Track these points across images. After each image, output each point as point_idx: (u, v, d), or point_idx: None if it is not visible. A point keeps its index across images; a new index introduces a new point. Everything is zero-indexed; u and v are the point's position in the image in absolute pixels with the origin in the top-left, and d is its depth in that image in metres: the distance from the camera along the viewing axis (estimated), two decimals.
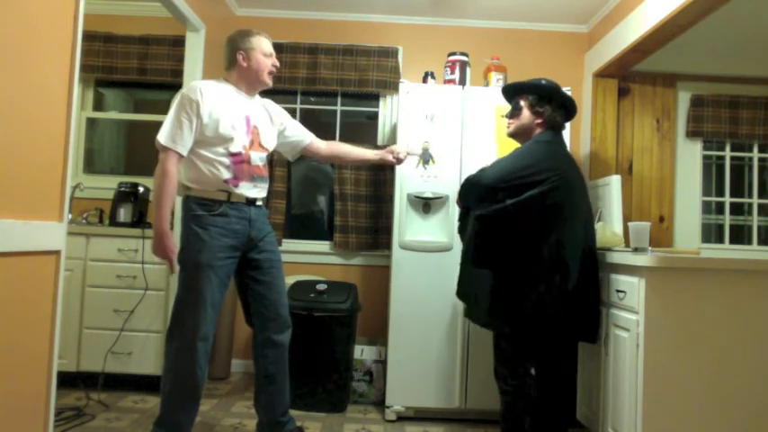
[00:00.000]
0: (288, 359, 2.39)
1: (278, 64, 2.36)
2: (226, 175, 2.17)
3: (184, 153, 2.14)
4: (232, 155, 2.18)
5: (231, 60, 2.28)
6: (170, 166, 2.10)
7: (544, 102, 2.28)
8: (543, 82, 2.31)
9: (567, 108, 2.33)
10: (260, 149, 2.30)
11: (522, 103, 2.31)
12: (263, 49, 2.28)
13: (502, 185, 2.15)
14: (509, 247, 2.15)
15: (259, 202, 2.31)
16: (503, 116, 2.45)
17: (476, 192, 2.24)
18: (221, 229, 2.16)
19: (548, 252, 2.11)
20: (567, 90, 2.89)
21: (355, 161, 2.92)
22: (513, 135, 2.37)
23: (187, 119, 2.11)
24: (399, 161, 2.63)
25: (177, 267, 2.19)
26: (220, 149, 2.16)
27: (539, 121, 2.28)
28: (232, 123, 2.18)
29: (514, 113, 2.34)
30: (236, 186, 2.19)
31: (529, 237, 2.13)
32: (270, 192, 2.65)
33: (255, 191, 2.28)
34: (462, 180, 2.36)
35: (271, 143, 2.38)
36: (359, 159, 2.70)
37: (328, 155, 2.63)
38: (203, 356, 2.14)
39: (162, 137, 2.11)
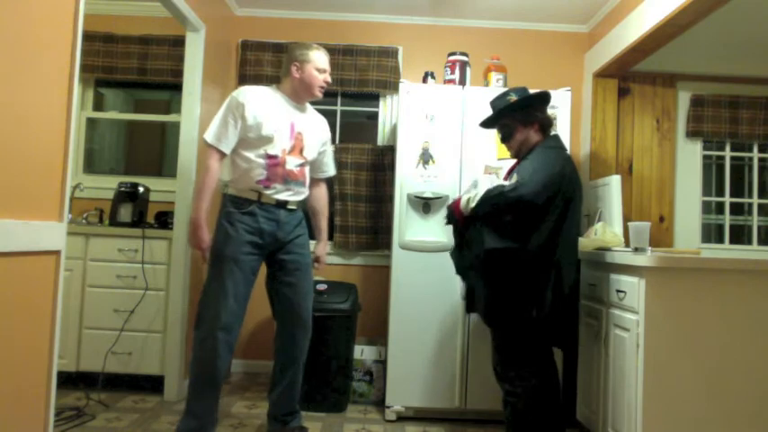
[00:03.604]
0: (303, 359, 2.43)
1: (330, 80, 2.44)
2: (259, 176, 2.26)
3: (227, 152, 2.27)
4: (269, 157, 2.27)
5: (286, 69, 2.39)
6: (212, 162, 2.26)
7: (530, 110, 2.26)
8: (513, 95, 2.26)
9: (545, 102, 2.32)
10: (299, 156, 2.36)
11: (512, 124, 2.27)
12: (317, 65, 2.36)
13: (538, 199, 2.06)
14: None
15: (292, 206, 2.36)
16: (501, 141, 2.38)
17: (505, 202, 2.09)
18: (247, 226, 2.26)
19: (558, 253, 2.12)
20: (567, 90, 2.91)
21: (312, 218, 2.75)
22: (516, 155, 2.33)
23: (233, 119, 2.25)
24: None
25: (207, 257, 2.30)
26: (260, 151, 2.26)
27: (534, 128, 2.27)
28: (275, 127, 2.28)
29: (510, 137, 2.29)
30: (267, 188, 2.27)
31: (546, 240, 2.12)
32: None
33: (288, 194, 2.33)
34: (476, 191, 2.25)
35: (311, 153, 2.44)
36: (319, 220, 2.65)
37: (310, 199, 2.58)
38: (224, 346, 2.21)
39: (208, 135, 2.27)
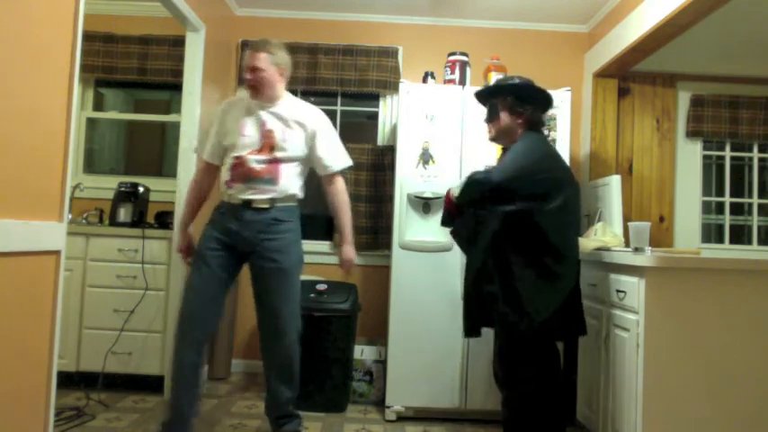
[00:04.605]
0: (282, 367, 2.36)
1: (249, 77, 2.29)
2: (225, 177, 2.35)
3: (206, 157, 2.43)
4: (235, 158, 2.32)
5: None
6: (197, 168, 2.47)
7: (523, 101, 2.21)
8: (517, 81, 2.25)
9: (544, 102, 2.27)
10: (268, 154, 2.29)
11: (500, 105, 2.24)
12: (244, 64, 2.40)
13: (514, 185, 2.05)
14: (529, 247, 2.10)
15: (262, 204, 2.28)
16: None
17: (480, 191, 2.11)
18: (217, 224, 2.35)
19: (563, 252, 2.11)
20: (567, 90, 2.91)
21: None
22: (494, 139, 2.31)
23: (211, 128, 2.43)
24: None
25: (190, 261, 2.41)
26: (231, 155, 2.33)
27: (520, 121, 2.22)
28: (240, 130, 2.32)
29: (493, 118, 2.26)
30: (230, 188, 2.32)
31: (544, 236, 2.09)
32: None
33: (250, 192, 2.28)
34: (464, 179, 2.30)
35: (291, 150, 2.32)
36: (337, 223, 2.52)
37: (327, 199, 2.50)
38: (182, 338, 2.26)
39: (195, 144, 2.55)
